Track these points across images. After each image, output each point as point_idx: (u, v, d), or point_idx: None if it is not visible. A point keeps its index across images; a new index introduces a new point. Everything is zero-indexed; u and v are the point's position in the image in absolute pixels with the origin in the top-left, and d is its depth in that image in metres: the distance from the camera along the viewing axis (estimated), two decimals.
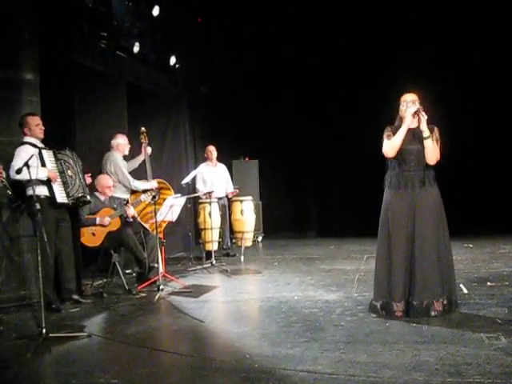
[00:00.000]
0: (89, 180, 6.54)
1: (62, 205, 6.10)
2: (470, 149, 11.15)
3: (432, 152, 5.03)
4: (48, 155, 6.05)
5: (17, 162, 5.56)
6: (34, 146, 5.99)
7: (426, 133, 5.04)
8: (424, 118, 5.06)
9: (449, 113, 10.67)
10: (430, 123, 5.17)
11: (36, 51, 6.52)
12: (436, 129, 5.15)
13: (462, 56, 10.85)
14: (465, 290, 6.02)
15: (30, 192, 5.80)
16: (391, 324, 4.83)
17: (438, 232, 5.03)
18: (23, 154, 5.70)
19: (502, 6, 10.13)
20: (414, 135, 5.13)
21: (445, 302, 4.98)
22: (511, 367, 3.62)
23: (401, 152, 5.13)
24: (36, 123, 6.06)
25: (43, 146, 6.10)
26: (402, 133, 5.10)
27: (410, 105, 5.14)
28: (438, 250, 5.00)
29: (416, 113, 5.09)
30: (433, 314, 4.93)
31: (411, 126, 5.14)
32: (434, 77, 10.70)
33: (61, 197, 6.04)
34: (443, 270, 5.01)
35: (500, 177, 11.24)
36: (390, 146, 5.12)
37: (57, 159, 6.11)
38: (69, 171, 6.15)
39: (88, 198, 6.42)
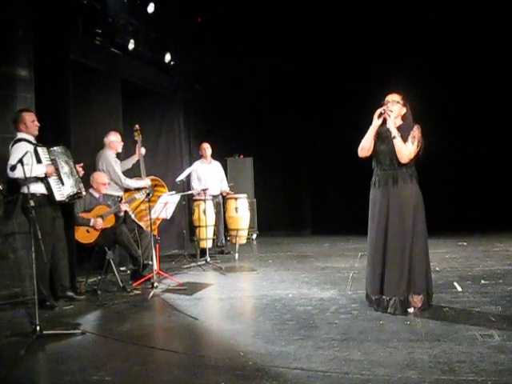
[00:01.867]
0: (81, 170, 6.46)
1: (60, 202, 6.08)
2: (464, 147, 11.18)
3: (400, 151, 5.09)
4: (43, 152, 6.03)
5: (13, 160, 5.49)
6: (30, 142, 5.97)
7: (393, 133, 5.14)
8: (390, 118, 5.17)
9: (445, 113, 10.76)
10: (417, 122, 5.28)
11: (30, 48, 6.50)
12: (416, 127, 5.20)
13: (456, 55, 10.89)
14: (459, 288, 6.05)
15: (25, 189, 5.78)
16: (385, 322, 4.85)
17: (408, 230, 5.06)
18: (20, 150, 5.61)
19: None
20: (389, 135, 5.21)
21: (412, 300, 5.06)
22: (504, 365, 3.64)
23: (376, 152, 5.28)
24: (32, 119, 6.02)
25: (37, 142, 6.08)
26: (368, 133, 5.27)
27: (389, 105, 5.25)
28: (406, 247, 5.04)
29: (381, 114, 5.20)
30: (410, 310, 5.03)
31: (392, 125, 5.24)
32: (430, 77, 10.75)
33: (59, 195, 6.03)
34: (412, 267, 5.05)
35: (494, 175, 11.29)
36: (360, 146, 5.30)
37: (52, 155, 6.09)
38: (64, 168, 6.13)
39: (83, 193, 6.40)
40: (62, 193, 6.06)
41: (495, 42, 10.63)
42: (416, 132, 5.17)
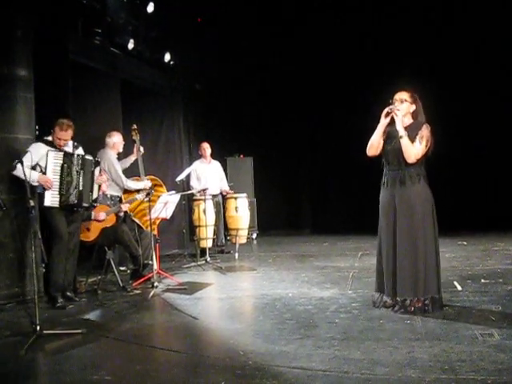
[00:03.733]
0: (103, 181, 6.66)
1: (48, 207, 6.03)
2: (464, 147, 11.18)
3: (407, 151, 5.06)
4: (55, 157, 6.03)
5: (24, 158, 5.65)
6: (49, 144, 6.05)
7: (400, 132, 5.09)
8: (397, 117, 5.12)
9: (446, 112, 10.74)
10: (428, 120, 5.23)
11: (30, 47, 6.49)
12: (424, 126, 5.15)
13: (457, 55, 10.90)
14: (459, 287, 6.05)
15: (38, 190, 6.00)
16: (385, 321, 4.85)
17: (416, 230, 5.04)
18: (31, 151, 5.92)
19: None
20: (397, 135, 5.17)
21: (426, 301, 5.00)
22: (504, 364, 3.64)
23: (385, 152, 5.24)
24: (59, 136, 6.09)
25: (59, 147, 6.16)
26: (376, 132, 5.24)
27: (397, 103, 5.22)
28: (416, 248, 5.02)
29: (388, 113, 5.16)
30: (411, 309, 4.98)
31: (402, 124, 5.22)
32: (430, 77, 10.75)
33: (50, 201, 6.00)
34: (425, 268, 5.02)
35: (494, 174, 11.29)
36: (369, 145, 5.28)
37: (64, 162, 6.07)
38: (68, 177, 6.09)
39: (85, 205, 6.31)
40: (54, 199, 6.02)
41: (495, 42, 10.65)
42: (425, 131, 5.11)
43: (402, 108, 5.20)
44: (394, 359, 3.86)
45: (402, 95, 5.25)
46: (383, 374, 3.60)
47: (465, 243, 9.58)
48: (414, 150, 5.06)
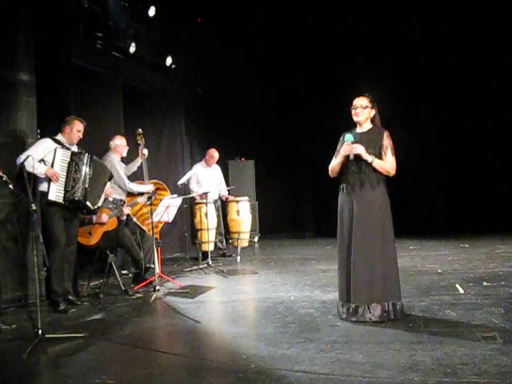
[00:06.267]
0: (109, 193, 6.80)
1: (53, 202, 6.06)
2: (466, 149, 11.18)
3: (384, 169, 5.05)
4: (63, 154, 6.10)
5: (29, 151, 5.79)
6: (58, 142, 6.13)
7: (368, 160, 5.04)
8: (359, 152, 5.05)
9: (445, 115, 10.76)
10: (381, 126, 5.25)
11: (32, 52, 6.51)
12: (385, 135, 5.12)
13: (454, 56, 10.94)
14: (461, 290, 6.04)
15: (40, 188, 6.05)
16: (387, 324, 4.83)
17: (375, 235, 4.98)
18: (39, 145, 6.03)
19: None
20: (358, 141, 5.16)
21: (386, 307, 4.92)
22: (507, 367, 3.63)
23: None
24: (79, 129, 6.28)
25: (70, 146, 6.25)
26: (337, 160, 5.21)
27: (358, 110, 5.24)
28: (374, 253, 4.95)
29: (347, 155, 5.11)
30: (372, 318, 4.89)
31: (358, 130, 5.31)
32: (434, 77, 10.79)
33: (54, 195, 6.03)
34: (383, 272, 4.94)
35: (496, 177, 11.28)
36: (330, 168, 5.28)
37: (71, 160, 6.13)
38: (75, 174, 6.12)
39: (89, 204, 6.28)
40: (59, 194, 6.05)
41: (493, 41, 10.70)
42: (387, 141, 5.09)
43: (364, 114, 5.23)
44: (397, 362, 3.86)
45: (363, 101, 5.26)
46: (385, 378, 3.60)
47: (467, 246, 9.57)
48: (388, 164, 5.06)
